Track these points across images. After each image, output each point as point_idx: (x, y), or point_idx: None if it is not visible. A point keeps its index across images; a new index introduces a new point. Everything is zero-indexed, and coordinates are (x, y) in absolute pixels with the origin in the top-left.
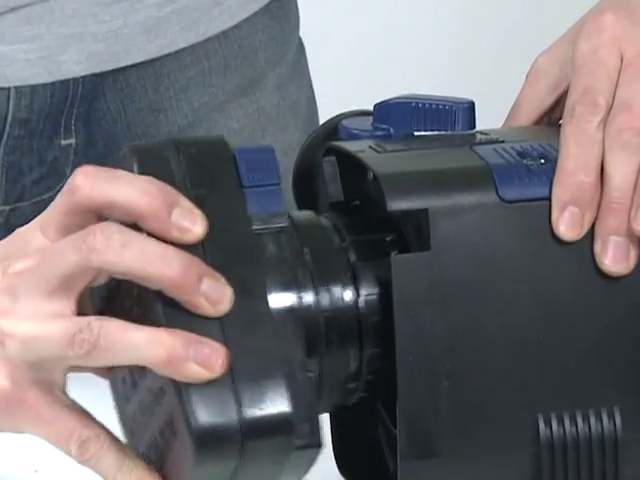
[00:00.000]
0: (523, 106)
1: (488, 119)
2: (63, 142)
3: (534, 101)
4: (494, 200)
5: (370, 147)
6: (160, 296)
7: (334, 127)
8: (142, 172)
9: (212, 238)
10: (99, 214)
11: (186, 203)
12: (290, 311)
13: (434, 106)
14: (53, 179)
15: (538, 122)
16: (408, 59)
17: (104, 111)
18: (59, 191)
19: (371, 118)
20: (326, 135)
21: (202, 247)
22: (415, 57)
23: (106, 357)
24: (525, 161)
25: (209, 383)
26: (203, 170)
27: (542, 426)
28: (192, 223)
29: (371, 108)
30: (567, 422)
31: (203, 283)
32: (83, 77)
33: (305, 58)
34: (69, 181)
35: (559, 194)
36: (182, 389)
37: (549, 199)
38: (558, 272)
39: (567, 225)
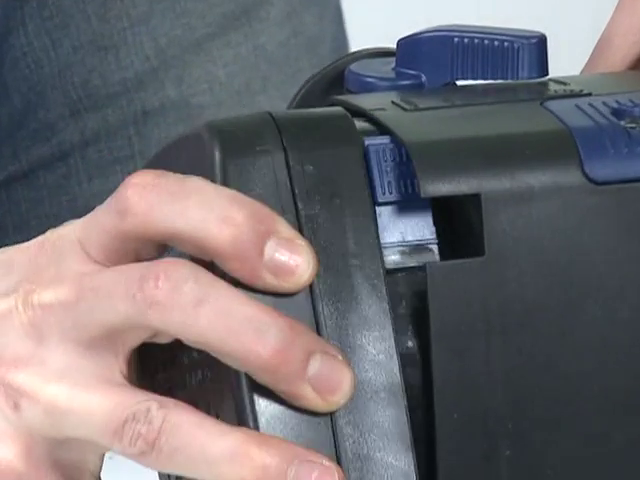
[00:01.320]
0: (615, 42)
1: (563, 62)
2: None
3: (631, 34)
4: (579, 181)
5: (393, 103)
6: None
7: (339, 73)
8: (228, 176)
9: (325, 280)
10: (159, 243)
11: (287, 231)
12: None
13: (486, 42)
14: None
15: (637, 65)
16: None
17: (23, 50)
18: None
19: (393, 60)
20: (327, 85)
21: (310, 293)
22: None
23: (166, 464)
24: (623, 123)
25: None
26: (321, 175)
27: None
28: (294, 264)
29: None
30: None
31: (311, 364)
32: None
33: None
34: (117, 197)
35: None
36: None
37: None
38: None
39: None
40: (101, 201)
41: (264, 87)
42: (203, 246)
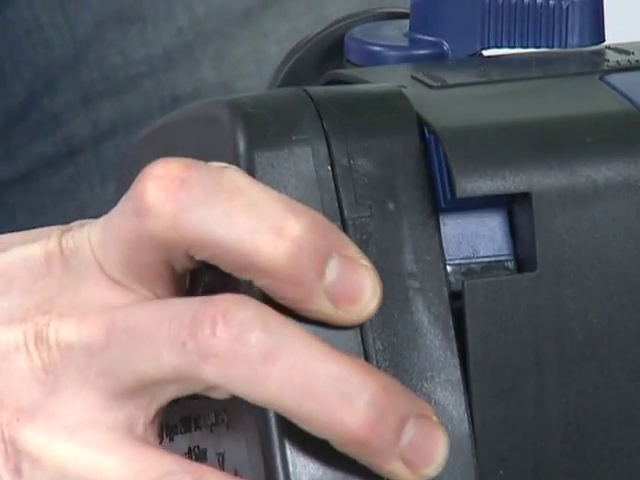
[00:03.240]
0: None
1: (625, 24)
2: None
3: None
4: None
5: (413, 78)
6: None
7: (336, 40)
8: (255, 172)
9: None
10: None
11: (351, 249)
12: None
13: (526, 0)
14: None
15: None
16: None
17: (27, 27)
18: None
19: (406, 23)
20: (321, 55)
21: (359, 329)
22: None
23: None
24: None
25: None
26: (374, 173)
27: None
28: (360, 291)
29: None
30: None
31: (405, 433)
32: None
33: None
34: (135, 193)
35: None
36: None
37: None
38: None
39: None
40: None
41: None
42: (248, 262)
